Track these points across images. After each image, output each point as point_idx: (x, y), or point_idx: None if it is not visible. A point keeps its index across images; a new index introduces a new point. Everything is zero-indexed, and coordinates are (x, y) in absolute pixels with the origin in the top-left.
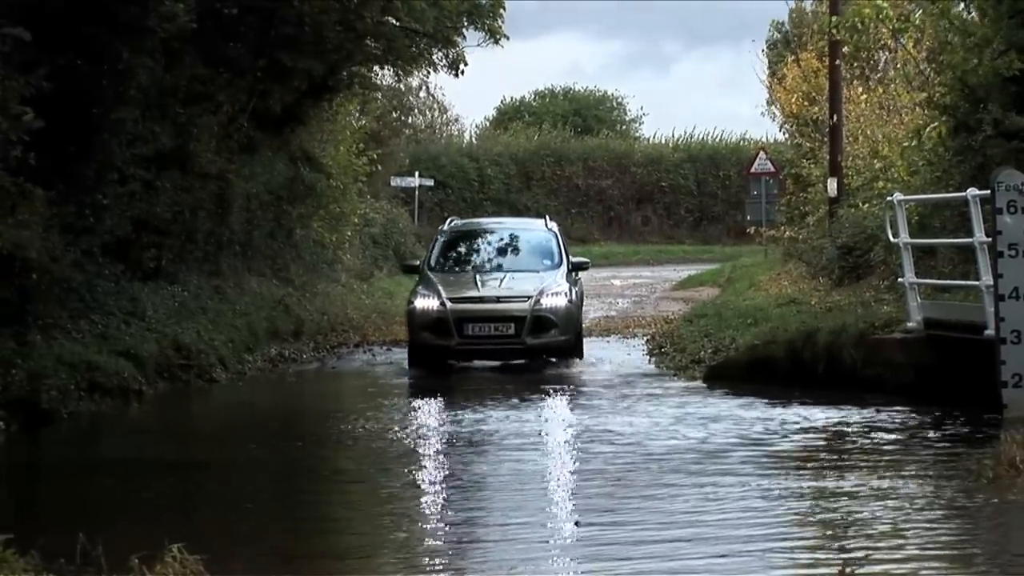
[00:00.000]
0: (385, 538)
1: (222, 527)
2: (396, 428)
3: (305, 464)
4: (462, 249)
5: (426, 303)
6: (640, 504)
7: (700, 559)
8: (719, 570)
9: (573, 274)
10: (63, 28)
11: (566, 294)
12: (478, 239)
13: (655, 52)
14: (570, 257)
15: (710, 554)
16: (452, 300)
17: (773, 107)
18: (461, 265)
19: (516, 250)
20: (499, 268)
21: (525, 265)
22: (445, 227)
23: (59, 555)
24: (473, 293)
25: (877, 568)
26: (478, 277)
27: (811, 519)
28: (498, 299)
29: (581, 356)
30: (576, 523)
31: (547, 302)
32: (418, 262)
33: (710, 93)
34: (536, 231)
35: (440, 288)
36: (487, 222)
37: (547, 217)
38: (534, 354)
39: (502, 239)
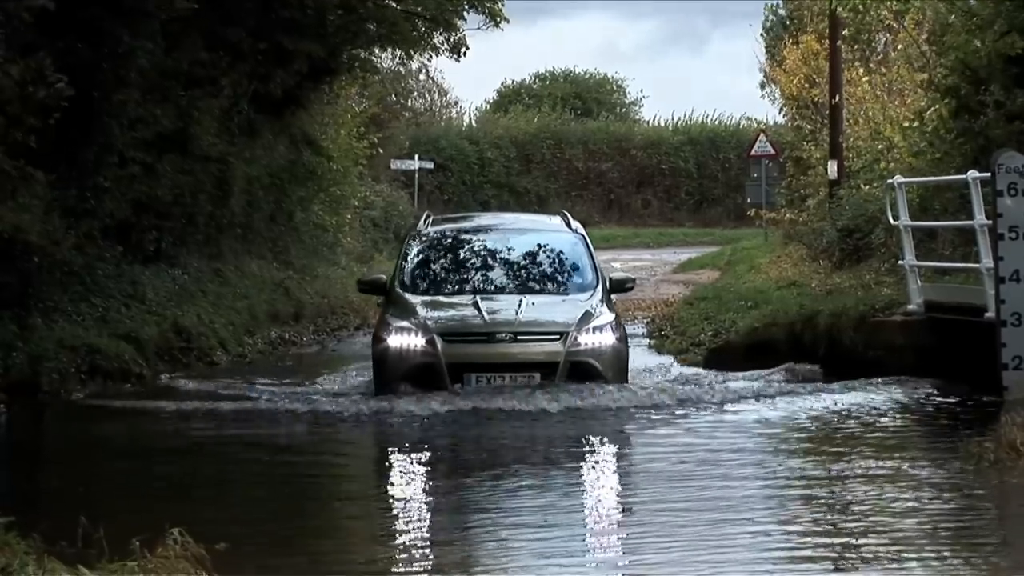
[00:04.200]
0: (387, 520)
1: (223, 508)
2: (398, 412)
3: (307, 444)
4: (450, 260)
5: (405, 340)
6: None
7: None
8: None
9: (611, 297)
10: (64, 11)
11: (612, 328)
12: (473, 245)
13: (689, 32)
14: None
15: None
16: (445, 336)
17: (766, 89)
18: (451, 284)
19: (532, 262)
20: (509, 289)
21: (547, 285)
22: (422, 227)
23: (61, 538)
24: (476, 326)
25: (878, 552)
26: (481, 303)
27: (809, 501)
28: (515, 336)
29: None
30: (627, 509)
31: (588, 341)
32: (383, 277)
33: (741, 73)
34: (556, 233)
35: (425, 318)
36: (484, 219)
37: (567, 215)
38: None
39: (510, 246)
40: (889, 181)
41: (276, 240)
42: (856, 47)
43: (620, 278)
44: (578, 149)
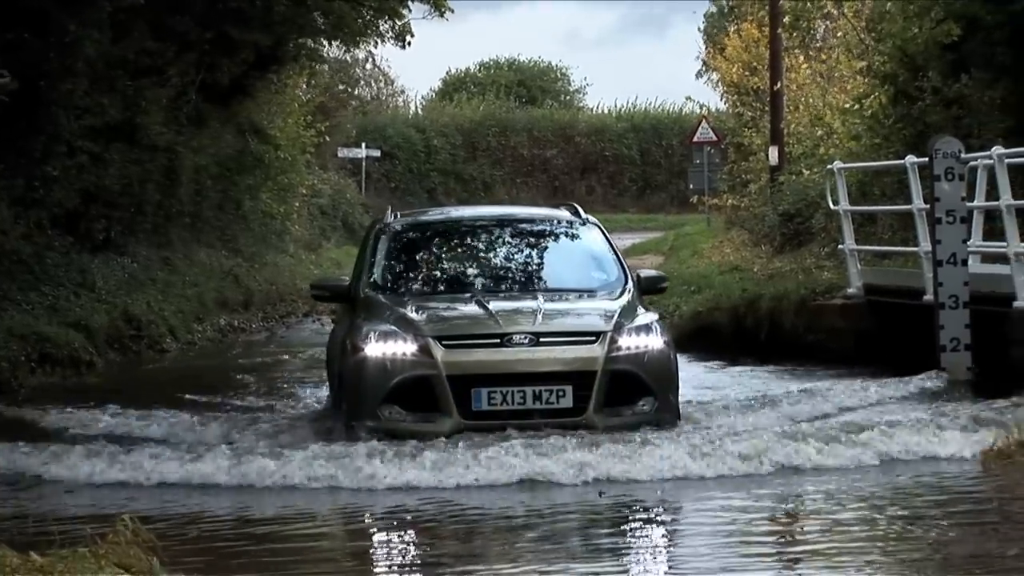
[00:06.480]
0: (354, 507)
1: (178, 497)
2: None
3: (260, 431)
4: (438, 256)
5: (391, 348)
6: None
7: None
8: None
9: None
10: (9, 1)
11: (658, 330)
12: (466, 240)
13: (652, 18)
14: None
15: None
16: (444, 340)
17: (705, 76)
18: (442, 283)
19: (544, 259)
20: (520, 287)
21: (567, 281)
22: (390, 220)
23: (12, 528)
24: (485, 325)
25: (823, 544)
26: (490, 303)
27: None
28: (537, 338)
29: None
30: (600, 493)
31: (630, 343)
32: (344, 279)
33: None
34: (568, 226)
35: (416, 320)
36: (469, 213)
37: (576, 206)
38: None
39: (512, 240)
40: (829, 167)
41: (225, 228)
42: (796, 34)
43: (652, 276)
44: (523, 136)
